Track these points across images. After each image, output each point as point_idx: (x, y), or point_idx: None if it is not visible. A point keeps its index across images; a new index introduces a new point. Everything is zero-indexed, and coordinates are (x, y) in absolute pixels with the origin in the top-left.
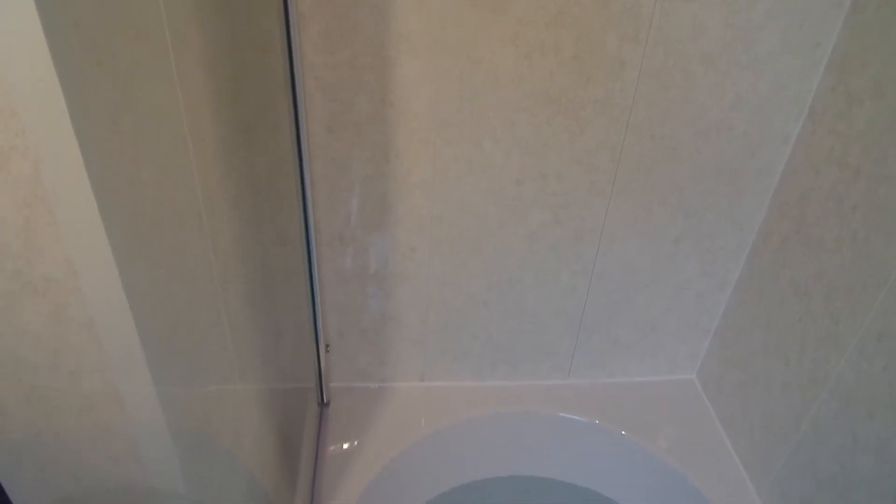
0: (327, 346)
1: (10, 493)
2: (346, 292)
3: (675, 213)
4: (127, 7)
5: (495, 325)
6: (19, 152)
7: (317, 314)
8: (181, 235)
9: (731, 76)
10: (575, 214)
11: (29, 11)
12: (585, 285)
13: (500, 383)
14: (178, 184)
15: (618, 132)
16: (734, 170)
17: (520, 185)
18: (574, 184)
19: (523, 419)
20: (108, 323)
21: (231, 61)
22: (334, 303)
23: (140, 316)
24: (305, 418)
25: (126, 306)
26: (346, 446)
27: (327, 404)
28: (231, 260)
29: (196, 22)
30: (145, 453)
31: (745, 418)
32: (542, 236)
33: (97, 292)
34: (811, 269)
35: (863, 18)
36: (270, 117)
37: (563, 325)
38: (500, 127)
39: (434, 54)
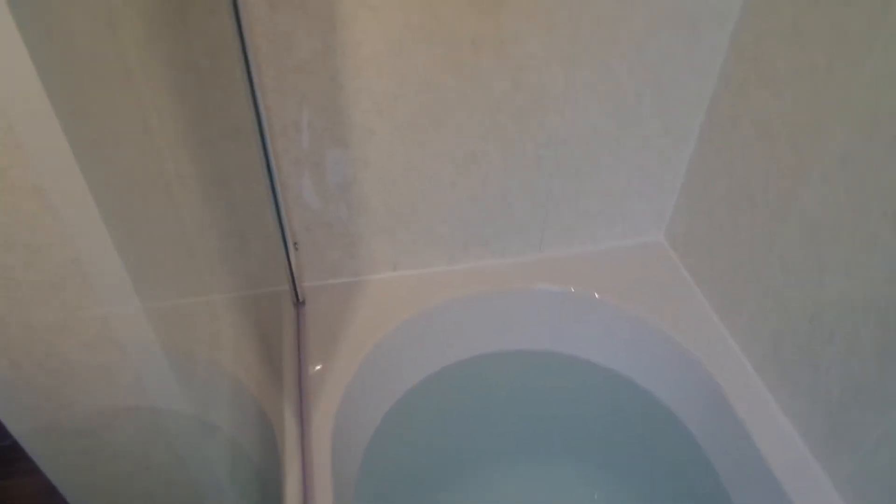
0: (295, 243)
1: None
2: (307, 184)
3: (634, 68)
4: None
5: (464, 205)
6: None
7: (280, 211)
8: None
9: None
10: (535, 80)
11: None
12: (551, 155)
13: (474, 264)
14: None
15: None
16: (691, 15)
17: (476, 49)
18: (533, 46)
19: (501, 296)
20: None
21: None
22: (297, 197)
23: (94, 184)
24: (283, 320)
25: (76, 170)
26: (326, 342)
27: (303, 303)
28: (182, 156)
29: None
30: (122, 336)
31: (713, 267)
32: (503, 105)
33: (45, 157)
34: (773, 108)
35: None
36: None
37: (531, 199)
38: None
39: None
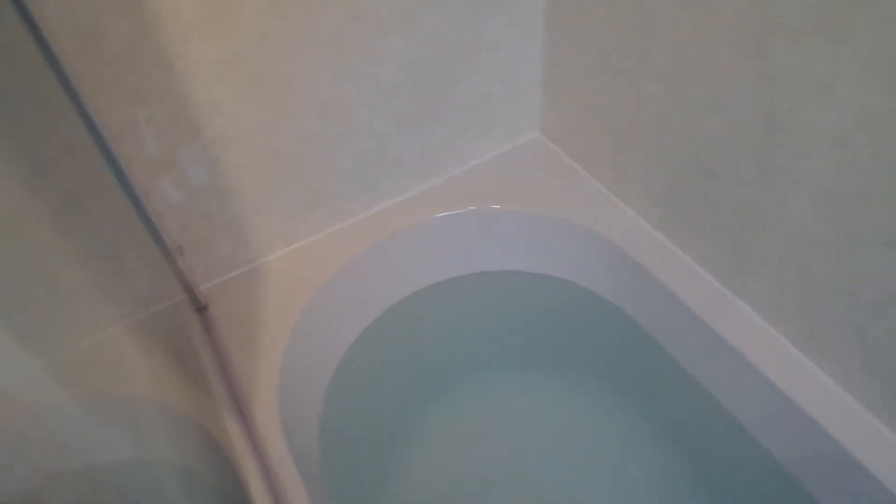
0: (179, 247)
1: None
2: (168, 182)
3: None
4: None
5: (337, 155)
6: None
7: (149, 218)
8: None
9: None
10: (370, 4)
11: None
12: (407, 79)
13: (369, 213)
14: None
15: None
16: None
17: None
18: None
19: (404, 237)
20: None
21: None
22: (162, 198)
23: None
24: (190, 331)
25: None
26: (244, 336)
27: (206, 308)
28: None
29: None
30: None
31: (594, 146)
32: (345, 39)
33: None
34: None
35: None
36: None
37: (401, 129)
38: None
39: None
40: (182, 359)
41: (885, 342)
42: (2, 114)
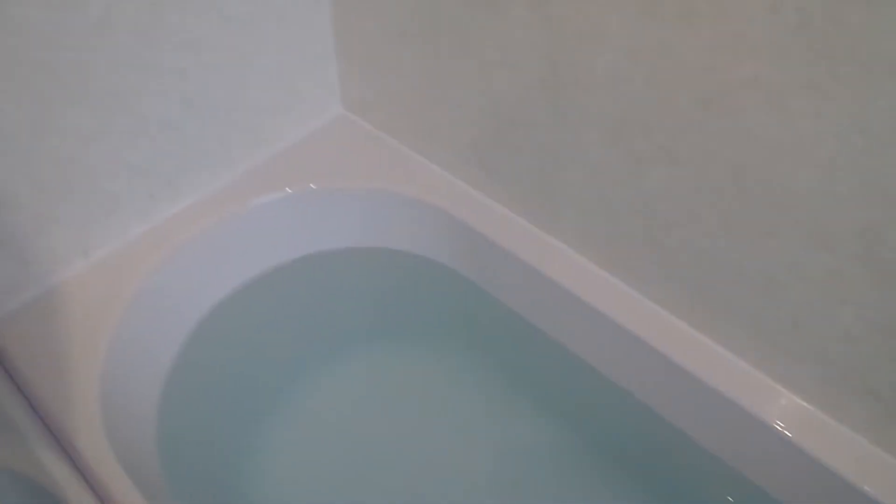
0: None
1: None
2: None
3: None
4: None
5: (127, 152)
6: None
7: None
8: None
9: None
10: None
11: None
12: (190, 61)
13: (176, 210)
14: None
15: None
16: None
17: None
18: None
19: (220, 229)
20: None
21: None
22: None
23: None
24: None
25: None
26: (47, 368)
27: None
28: None
29: None
30: None
31: (397, 113)
32: (114, 22)
33: None
34: None
35: None
36: None
37: (197, 116)
38: None
39: None
40: None
41: (679, 250)
42: None
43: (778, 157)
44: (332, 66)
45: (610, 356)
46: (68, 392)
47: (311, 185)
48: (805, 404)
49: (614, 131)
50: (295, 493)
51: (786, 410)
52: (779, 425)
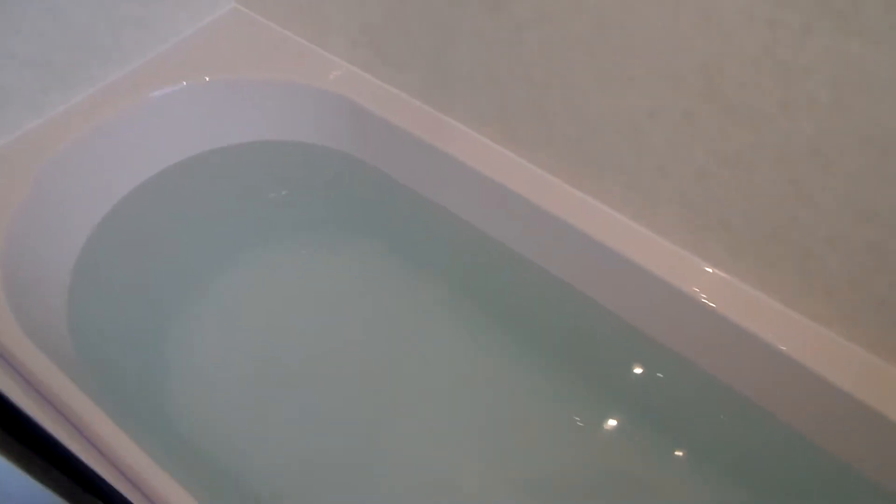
0: None
1: None
2: None
3: None
4: None
5: (12, 42)
6: None
7: None
8: None
9: None
10: None
11: None
12: None
13: (70, 104)
14: None
15: None
16: None
17: None
18: None
19: (115, 123)
20: None
21: None
22: None
23: None
24: None
25: None
26: None
27: None
28: None
29: None
30: None
31: (289, 4)
32: None
33: None
34: None
35: None
36: None
37: (84, 6)
38: None
39: None
40: None
41: (559, 112)
42: None
43: (630, 1)
44: None
45: (507, 225)
46: None
47: (207, 77)
48: (673, 246)
49: (489, 4)
50: (203, 379)
51: (657, 254)
52: (654, 269)
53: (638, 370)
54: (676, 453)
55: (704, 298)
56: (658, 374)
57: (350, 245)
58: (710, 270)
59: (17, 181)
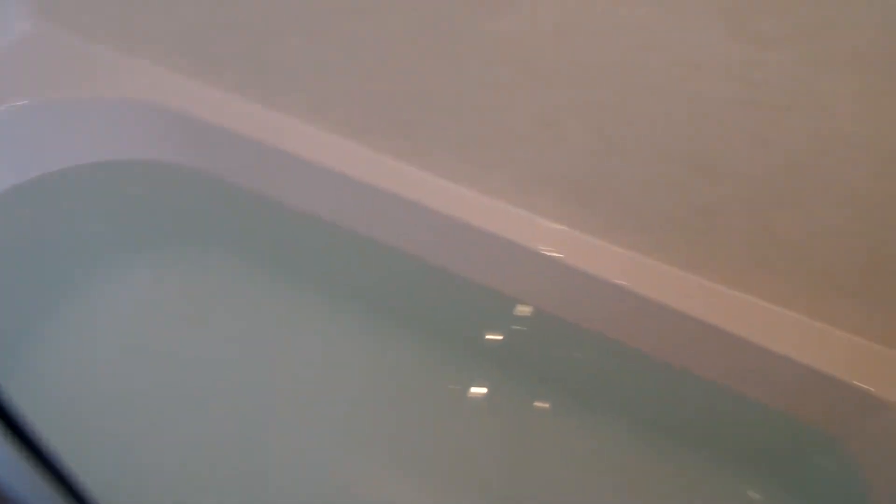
0: None
1: None
2: None
3: None
4: None
5: None
6: None
7: None
8: None
9: None
10: None
11: None
12: None
13: None
14: None
15: None
16: None
17: None
18: None
19: None
20: None
21: None
22: None
23: None
24: None
25: None
26: None
27: None
28: None
29: None
30: None
31: (97, 17)
32: None
33: None
34: None
35: None
36: None
37: None
38: None
39: None
40: None
41: (390, 94)
42: None
43: None
44: None
45: (354, 212)
46: None
47: (23, 101)
48: (510, 206)
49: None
50: (67, 390)
51: (498, 216)
52: (497, 231)
53: (502, 329)
54: (555, 404)
55: (548, 251)
56: (518, 328)
57: (201, 258)
58: (548, 224)
59: None
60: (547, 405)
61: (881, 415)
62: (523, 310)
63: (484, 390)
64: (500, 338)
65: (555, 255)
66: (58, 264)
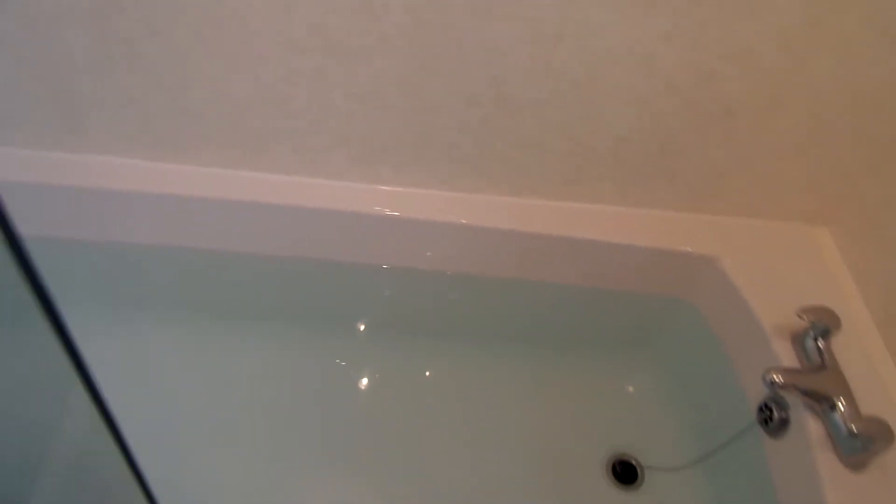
0: None
1: None
2: None
3: None
4: None
5: None
6: None
7: None
8: None
9: None
10: None
11: None
12: None
13: None
14: None
15: None
16: None
17: None
18: None
19: None
20: None
21: None
22: None
23: None
24: None
25: None
26: None
27: None
28: None
29: None
30: None
31: None
32: None
33: None
34: None
35: None
36: None
37: None
38: None
39: None
40: None
41: (204, 105)
42: None
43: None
44: None
45: (205, 230)
46: None
47: None
48: (350, 183)
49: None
50: None
51: (340, 194)
52: (343, 207)
53: (373, 296)
54: (436, 350)
55: (389, 211)
56: (386, 292)
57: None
58: (385, 188)
59: None
60: (432, 352)
61: (703, 268)
62: (388, 274)
63: (369, 352)
64: (378, 301)
65: (394, 213)
66: None
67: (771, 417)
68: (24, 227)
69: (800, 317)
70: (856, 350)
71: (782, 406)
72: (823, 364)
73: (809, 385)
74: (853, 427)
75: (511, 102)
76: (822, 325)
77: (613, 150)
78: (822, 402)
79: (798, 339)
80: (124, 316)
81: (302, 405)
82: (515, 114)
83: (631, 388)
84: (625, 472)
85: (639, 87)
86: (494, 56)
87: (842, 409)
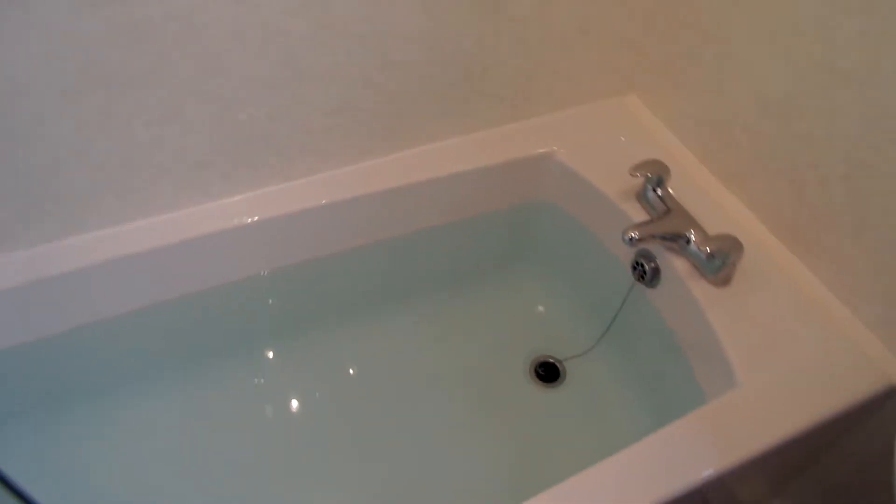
0: None
1: None
2: None
3: None
4: None
5: None
6: None
7: None
8: None
9: None
10: None
11: None
12: None
13: None
14: None
15: None
16: None
17: None
18: None
19: None
20: None
21: None
22: None
23: None
24: None
25: None
26: None
27: None
28: None
29: None
30: None
31: None
32: None
33: None
34: None
35: None
36: None
37: None
38: None
39: None
40: None
41: (69, 173)
42: None
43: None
44: None
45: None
46: None
47: None
48: (193, 208)
49: None
50: None
51: (189, 219)
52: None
53: (262, 305)
54: (350, 332)
55: (248, 219)
56: (271, 300)
57: None
58: (227, 200)
59: None
60: (343, 337)
61: (545, 166)
62: (266, 282)
63: (288, 365)
64: (265, 315)
65: (252, 219)
66: None
67: (644, 272)
68: None
69: (633, 175)
70: (690, 187)
71: (650, 258)
72: (668, 208)
73: (662, 230)
74: (707, 249)
75: (308, 74)
76: (656, 175)
77: (422, 89)
78: (678, 241)
79: (641, 196)
80: (37, 420)
81: (232, 436)
82: (315, 84)
83: (529, 295)
84: (548, 373)
85: (422, 25)
86: (274, 37)
87: (694, 239)
